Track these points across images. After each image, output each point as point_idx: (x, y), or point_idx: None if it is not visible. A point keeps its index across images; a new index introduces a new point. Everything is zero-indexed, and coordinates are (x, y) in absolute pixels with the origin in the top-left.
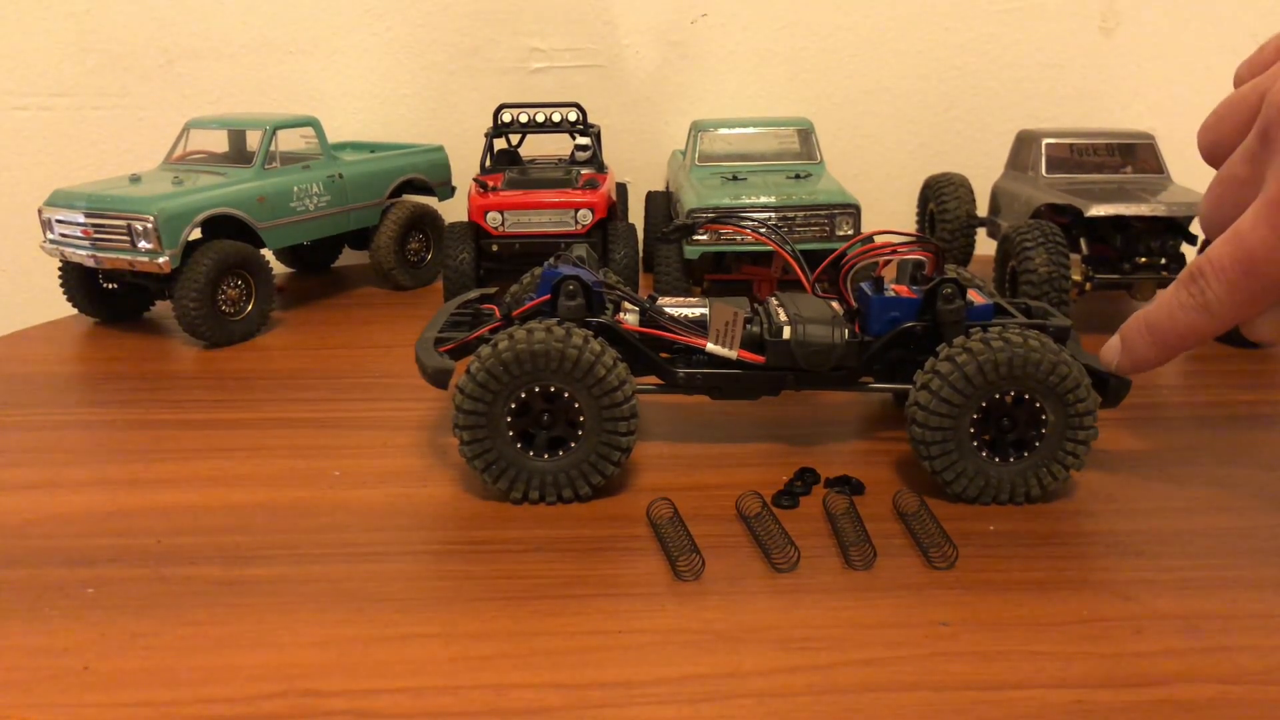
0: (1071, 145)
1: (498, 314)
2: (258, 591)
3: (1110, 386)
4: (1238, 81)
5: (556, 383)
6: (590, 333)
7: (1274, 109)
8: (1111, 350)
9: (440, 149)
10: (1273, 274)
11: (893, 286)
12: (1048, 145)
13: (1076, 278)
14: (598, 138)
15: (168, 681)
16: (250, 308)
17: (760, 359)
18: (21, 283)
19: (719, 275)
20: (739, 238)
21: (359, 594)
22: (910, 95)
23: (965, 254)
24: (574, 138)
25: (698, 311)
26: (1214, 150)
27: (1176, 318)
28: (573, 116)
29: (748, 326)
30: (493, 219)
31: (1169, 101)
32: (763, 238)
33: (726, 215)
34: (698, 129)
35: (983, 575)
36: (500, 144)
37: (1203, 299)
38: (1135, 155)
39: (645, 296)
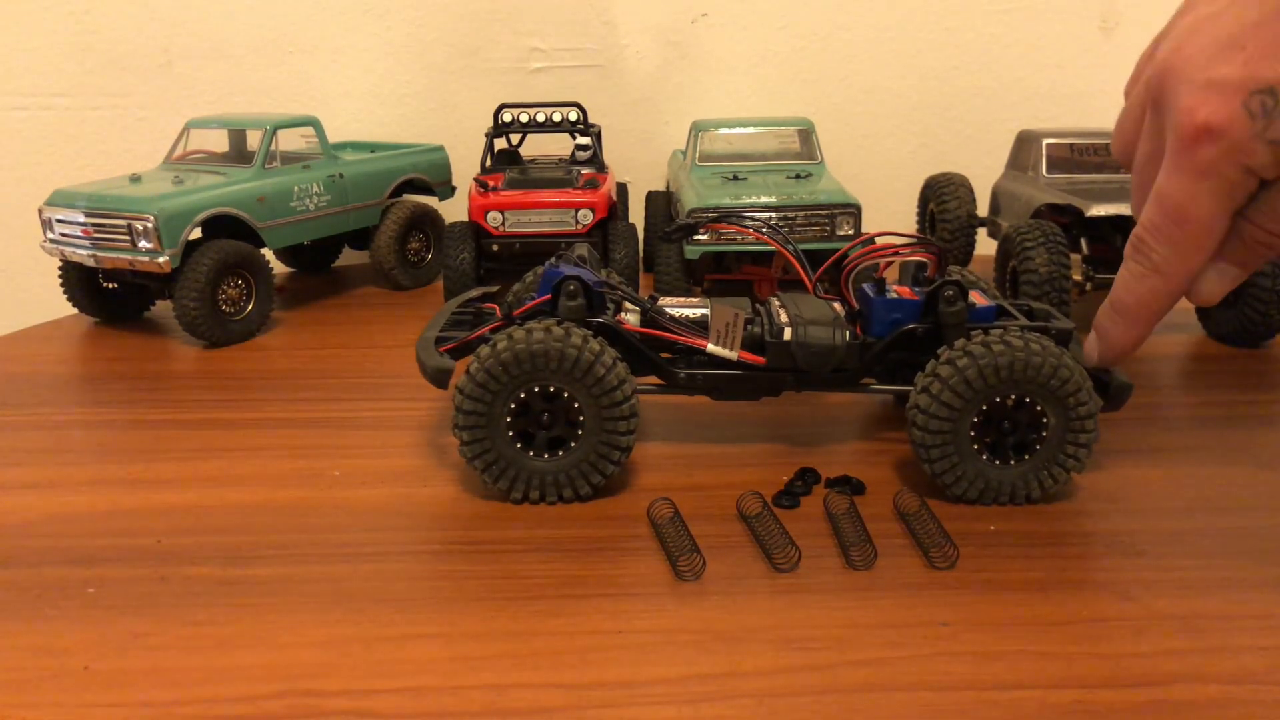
0: (1071, 145)
1: (499, 313)
2: (258, 591)
3: (1112, 389)
4: (1127, 95)
5: (556, 382)
6: (590, 332)
7: (1154, 79)
8: (1090, 345)
9: (440, 149)
10: (1199, 215)
11: (894, 288)
12: (1048, 145)
13: (1077, 278)
14: (598, 138)
15: (168, 681)
16: (250, 308)
17: (761, 360)
18: (21, 283)
19: (719, 275)
20: (740, 237)
21: (359, 594)
22: (910, 95)
23: (966, 254)
24: (574, 138)
25: (698, 312)
26: (1125, 150)
27: (1133, 289)
28: (573, 116)
29: (748, 327)
30: (493, 219)
31: None
32: (764, 237)
33: (727, 215)
34: (698, 129)
35: (983, 575)
36: (500, 144)
37: (1150, 263)
38: None
39: (646, 296)
